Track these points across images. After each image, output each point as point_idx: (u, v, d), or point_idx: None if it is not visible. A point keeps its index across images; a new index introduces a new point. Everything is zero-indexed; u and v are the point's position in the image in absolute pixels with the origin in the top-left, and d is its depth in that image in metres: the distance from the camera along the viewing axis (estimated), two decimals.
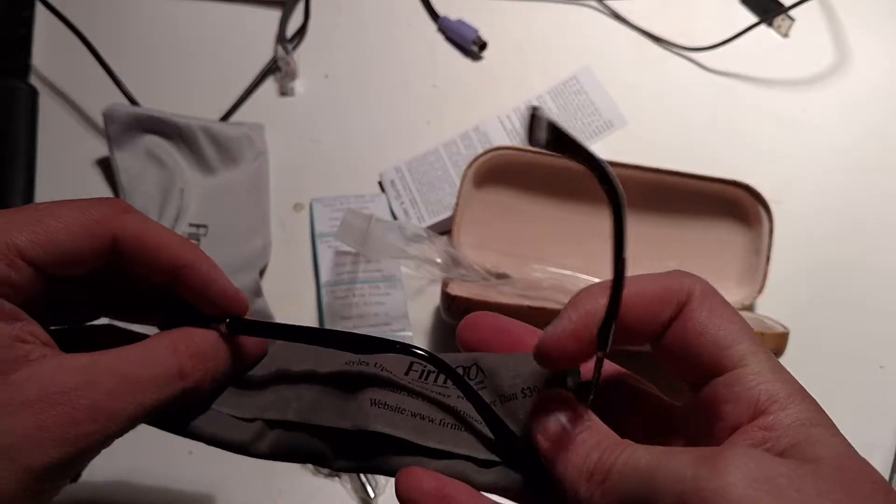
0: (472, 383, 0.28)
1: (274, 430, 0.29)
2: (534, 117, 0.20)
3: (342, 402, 0.28)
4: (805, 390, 0.24)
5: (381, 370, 0.29)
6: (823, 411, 0.24)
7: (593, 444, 0.24)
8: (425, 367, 0.30)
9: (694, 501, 0.20)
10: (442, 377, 0.29)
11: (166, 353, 0.27)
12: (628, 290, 0.25)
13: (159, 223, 0.28)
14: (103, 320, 0.31)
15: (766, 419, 0.23)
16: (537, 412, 0.26)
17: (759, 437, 0.23)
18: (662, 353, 0.26)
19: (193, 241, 0.50)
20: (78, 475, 0.43)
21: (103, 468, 0.43)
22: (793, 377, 0.25)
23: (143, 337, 0.29)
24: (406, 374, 0.30)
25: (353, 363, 0.29)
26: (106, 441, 0.25)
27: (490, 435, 0.27)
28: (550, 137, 0.21)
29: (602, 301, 0.25)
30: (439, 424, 0.28)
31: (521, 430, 0.27)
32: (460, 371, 0.29)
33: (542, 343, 0.25)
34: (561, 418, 0.25)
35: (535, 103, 0.21)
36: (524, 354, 0.28)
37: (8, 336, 0.24)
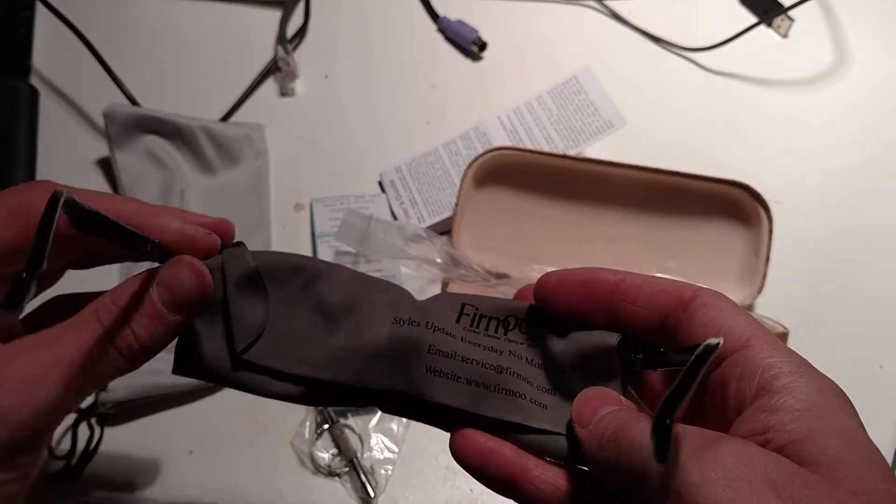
0: (523, 337, 0.29)
1: (330, 386, 0.29)
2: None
3: (397, 365, 0.29)
4: (813, 368, 0.24)
5: (434, 330, 0.29)
6: (835, 388, 0.24)
7: (614, 418, 0.25)
8: (476, 310, 0.30)
9: (674, 490, 0.21)
10: (494, 324, 0.30)
11: (89, 321, 0.26)
12: (640, 280, 0.27)
13: (87, 189, 0.27)
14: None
15: (770, 400, 0.23)
16: (583, 401, 0.27)
17: (762, 424, 0.23)
18: (675, 346, 0.26)
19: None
20: (79, 475, 0.43)
21: (103, 468, 0.44)
22: (799, 356, 0.24)
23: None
24: (457, 321, 0.30)
25: (403, 322, 0.29)
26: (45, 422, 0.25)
27: (543, 402, 0.28)
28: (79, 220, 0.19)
29: (606, 276, 0.27)
30: (494, 391, 0.28)
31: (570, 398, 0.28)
32: (512, 320, 0.30)
33: (546, 276, 0.28)
34: (600, 410, 0.26)
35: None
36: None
37: None
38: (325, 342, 0.29)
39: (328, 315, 0.30)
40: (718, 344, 0.21)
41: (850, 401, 0.24)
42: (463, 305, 0.30)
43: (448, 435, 0.28)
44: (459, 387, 0.28)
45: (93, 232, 0.22)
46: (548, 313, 0.29)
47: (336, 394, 0.29)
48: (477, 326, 0.30)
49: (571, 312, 0.28)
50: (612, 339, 0.28)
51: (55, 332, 0.25)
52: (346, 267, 0.31)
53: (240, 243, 0.30)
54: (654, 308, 0.27)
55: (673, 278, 0.28)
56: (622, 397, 0.27)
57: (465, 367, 0.28)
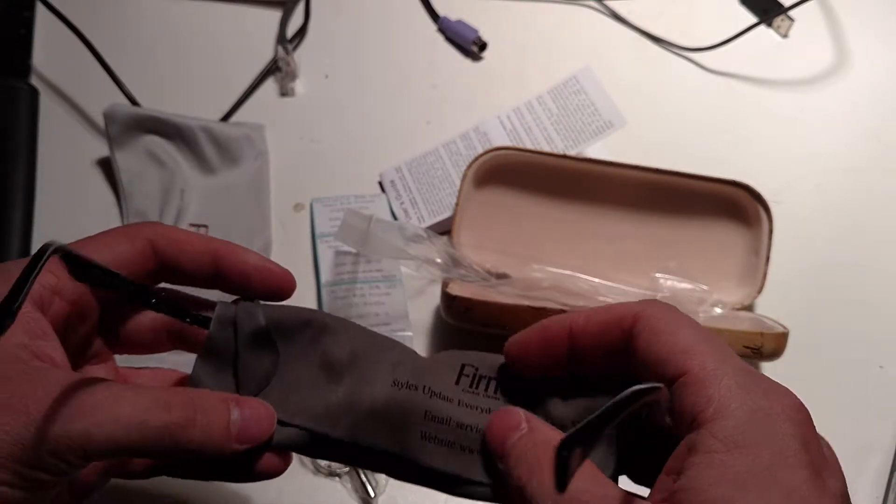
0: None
1: (322, 439, 0.29)
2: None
3: (392, 427, 0.29)
4: (754, 385, 0.24)
5: (430, 395, 0.29)
6: (777, 409, 0.23)
7: (517, 447, 0.26)
8: (476, 371, 0.30)
9: None
10: (493, 385, 0.30)
11: (159, 406, 0.26)
12: (582, 320, 0.27)
13: (180, 229, 0.30)
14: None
15: (692, 436, 0.23)
16: (490, 434, 0.28)
17: (681, 458, 0.23)
18: (634, 374, 0.27)
19: None
20: None
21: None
22: (741, 371, 0.24)
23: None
24: (457, 382, 0.30)
25: (402, 385, 0.30)
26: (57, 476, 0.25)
27: None
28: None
29: (555, 328, 0.28)
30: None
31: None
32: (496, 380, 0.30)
33: (508, 344, 0.29)
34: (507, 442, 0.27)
35: None
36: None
37: (26, 349, 0.26)
38: (325, 396, 0.30)
39: (331, 370, 0.30)
40: (636, 393, 0.21)
41: (792, 411, 0.23)
42: (463, 366, 0.31)
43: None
44: (453, 453, 0.29)
45: (91, 283, 0.24)
46: (528, 377, 0.29)
47: (332, 448, 0.30)
48: (476, 387, 0.30)
49: (545, 369, 0.29)
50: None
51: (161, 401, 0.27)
52: (352, 322, 0.31)
53: (255, 299, 0.31)
54: (605, 344, 0.27)
55: (618, 302, 0.27)
56: (523, 418, 0.27)
57: (460, 433, 0.29)
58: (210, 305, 0.31)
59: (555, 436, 0.26)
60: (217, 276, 0.31)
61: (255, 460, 0.29)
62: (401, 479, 0.30)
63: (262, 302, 0.31)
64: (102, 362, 0.32)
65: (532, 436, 0.26)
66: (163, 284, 0.32)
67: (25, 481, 0.24)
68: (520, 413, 0.28)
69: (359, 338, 0.31)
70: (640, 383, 0.22)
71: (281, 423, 0.29)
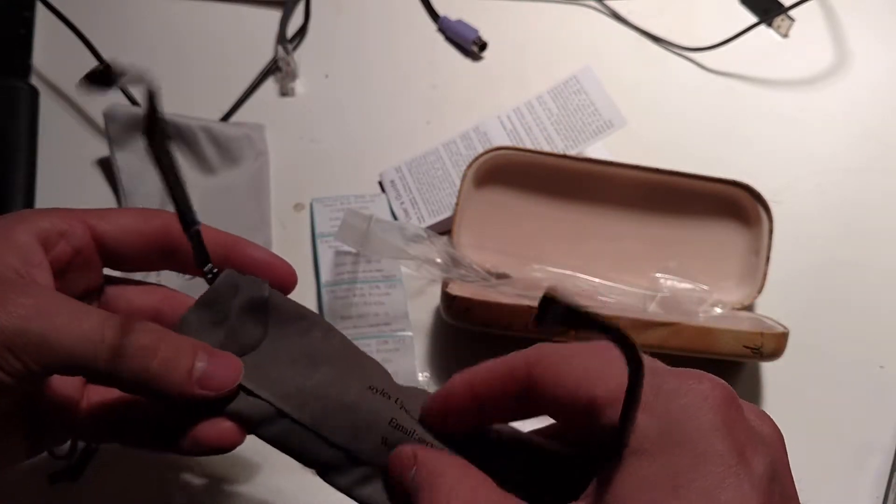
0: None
1: (283, 420, 0.29)
2: (549, 302, 0.20)
3: (356, 425, 0.29)
4: (652, 393, 0.23)
5: (401, 407, 0.30)
6: (675, 407, 0.23)
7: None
8: None
9: None
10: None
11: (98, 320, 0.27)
12: (481, 375, 0.28)
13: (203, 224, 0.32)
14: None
15: (603, 469, 0.23)
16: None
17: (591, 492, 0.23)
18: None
19: None
20: (79, 474, 0.43)
21: (103, 467, 0.44)
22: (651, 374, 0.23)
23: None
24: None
25: (376, 390, 0.30)
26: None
27: None
28: (567, 318, 0.20)
29: (456, 388, 0.29)
30: None
31: None
32: None
33: (427, 402, 0.30)
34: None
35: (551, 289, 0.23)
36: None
37: (15, 271, 0.28)
38: (299, 380, 0.30)
39: (312, 360, 0.31)
40: None
41: (714, 402, 0.23)
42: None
43: None
44: None
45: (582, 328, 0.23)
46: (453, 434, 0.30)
47: (287, 432, 0.30)
48: None
49: (467, 425, 0.29)
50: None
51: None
52: (342, 335, 0.32)
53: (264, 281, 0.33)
54: (506, 395, 0.27)
55: (514, 353, 0.27)
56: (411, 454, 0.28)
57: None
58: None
59: (449, 458, 0.28)
60: (225, 266, 0.33)
61: (209, 430, 0.30)
62: (344, 485, 0.30)
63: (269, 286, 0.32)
64: None
65: (423, 468, 0.27)
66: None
67: None
68: (407, 450, 0.28)
69: (346, 346, 0.32)
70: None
71: (247, 392, 0.29)
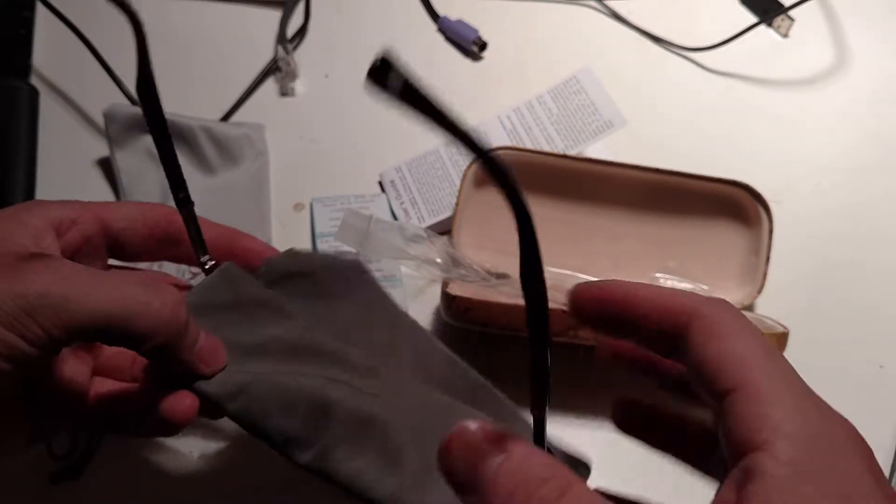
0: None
1: (241, 397, 0.31)
2: (384, 63, 0.17)
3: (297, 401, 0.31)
4: (813, 405, 0.22)
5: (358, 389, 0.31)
6: (837, 430, 0.22)
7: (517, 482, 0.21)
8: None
9: None
10: None
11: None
12: (644, 293, 0.26)
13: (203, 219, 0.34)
14: None
15: (747, 461, 0.21)
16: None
17: (738, 487, 0.21)
18: (688, 377, 0.25)
19: None
20: (79, 474, 0.43)
21: (103, 467, 0.44)
22: (800, 388, 0.22)
23: None
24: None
25: (333, 380, 0.32)
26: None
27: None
28: (403, 89, 0.18)
29: (614, 288, 0.26)
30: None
31: None
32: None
33: (577, 286, 0.28)
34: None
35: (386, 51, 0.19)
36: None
37: (26, 249, 0.28)
38: (258, 367, 0.32)
39: (278, 352, 0.33)
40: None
41: (857, 440, 0.22)
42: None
43: None
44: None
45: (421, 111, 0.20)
46: (581, 320, 0.28)
47: (245, 413, 0.31)
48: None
49: (595, 321, 0.27)
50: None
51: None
52: (314, 331, 0.34)
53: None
54: (659, 325, 0.25)
55: (682, 289, 0.26)
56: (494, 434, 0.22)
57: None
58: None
59: (545, 459, 0.22)
60: (227, 258, 0.35)
61: (174, 406, 0.31)
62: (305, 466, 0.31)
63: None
64: None
65: (513, 463, 0.21)
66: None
67: (6, 347, 0.25)
68: (486, 428, 0.22)
69: (320, 341, 0.33)
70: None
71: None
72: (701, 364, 0.23)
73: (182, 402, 0.31)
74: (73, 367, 0.33)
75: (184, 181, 0.32)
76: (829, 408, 0.23)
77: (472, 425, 0.22)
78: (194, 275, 0.49)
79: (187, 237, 0.34)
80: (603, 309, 0.27)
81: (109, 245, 0.33)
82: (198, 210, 0.51)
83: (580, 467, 0.28)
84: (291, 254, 0.36)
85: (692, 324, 0.24)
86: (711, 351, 0.23)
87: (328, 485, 0.30)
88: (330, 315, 0.35)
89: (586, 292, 0.27)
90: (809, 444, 0.21)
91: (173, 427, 0.31)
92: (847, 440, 0.22)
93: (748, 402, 0.21)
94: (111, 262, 0.36)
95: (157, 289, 0.28)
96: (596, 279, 0.49)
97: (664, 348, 0.25)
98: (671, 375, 0.28)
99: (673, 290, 0.25)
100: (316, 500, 0.44)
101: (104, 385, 0.34)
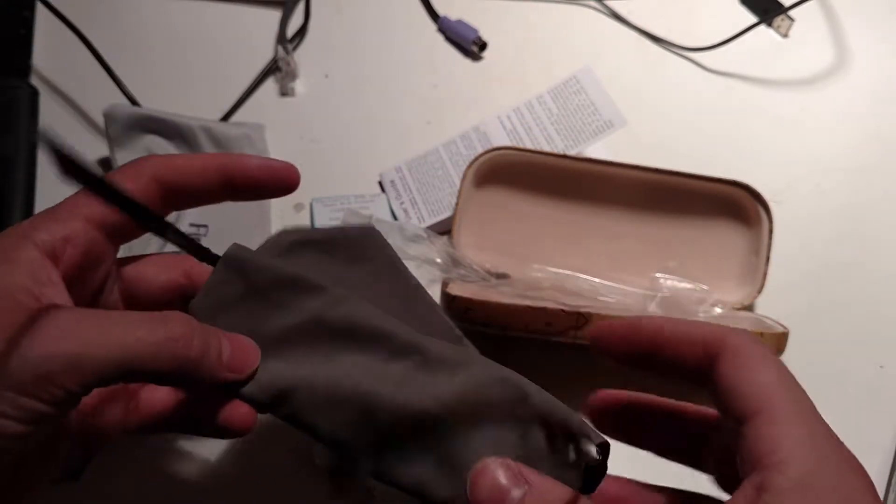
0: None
1: (292, 401, 0.30)
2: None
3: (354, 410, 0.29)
4: (826, 439, 0.24)
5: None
6: (844, 463, 0.24)
7: None
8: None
9: None
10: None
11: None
12: (671, 326, 0.28)
13: (179, 155, 0.32)
14: None
15: (761, 476, 0.23)
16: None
17: (750, 498, 0.23)
18: (711, 400, 0.27)
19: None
20: (79, 474, 0.43)
21: (103, 467, 0.44)
22: (816, 423, 0.25)
23: None
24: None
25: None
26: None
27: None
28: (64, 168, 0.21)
29: (647, 324, 0.28)
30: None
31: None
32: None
33: (598, 325, 0.30)
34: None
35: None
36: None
37: (28, 292, 0.27)
38: (304, 362, 0.30)
39: (314, 338, 0.31)
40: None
41: (858, 467, 0.24)
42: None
43: None
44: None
45: (83, 184, 0.25)
46: (604, 356, 0.30)
47: (297, 416, 0.30)
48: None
49: (620, 357, 0.29)
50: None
51: (147, 321, 0.27)
52: (348, 304, 0.31)
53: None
54: (689, 358, 0.27)
55: (707, 322, 0.28)
56: (515, 471, 0.27)
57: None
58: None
59: (563, 492, 0.26)
60: (226, 186, 0.32)
61: (231, 414, 0.31)
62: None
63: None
64: None
65: (535, 496, 0.26)
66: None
67: (20, 411, 0.24)
68: (508, 465, 0.27)
69: (352, 318, 0.31)
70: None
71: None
72: (729, 391, 0.26)
73: (238, 409, 0.31)
74: (105, 406, 0.32)
75: (146, 209, 0.29)
76: (835, 436, 0.25)
77: (494, 463, 0.27)
78: (201, 236, 0.50)
79: (243, 174, 0.32)
80: (630, 347, 0.29)
81: (167, 197, 0.31)
82: (197, 209, 0.52)
83: (601, 446, 0.28)
84: (292, 229, 0.34)
85: (721, 355, 0.26)
86: (738, 379, 0.25)
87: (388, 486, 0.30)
88: (350, 279, 0.33)
89: (610, 331, 0.29)
90: (817, 465, 0.23)
91: (236, 433, 0.31)
92: (850, 466, 0.24)
93: (767, 425, 0.24)
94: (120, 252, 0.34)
95: (165, 323, 0.27)
96: (595, 280, 0.49)
97: (690, 377, 0.28)
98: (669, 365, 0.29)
99: (698, 324, 0.28)
100: (314, 495, 0.45)
101: (155, 393, 0.33)
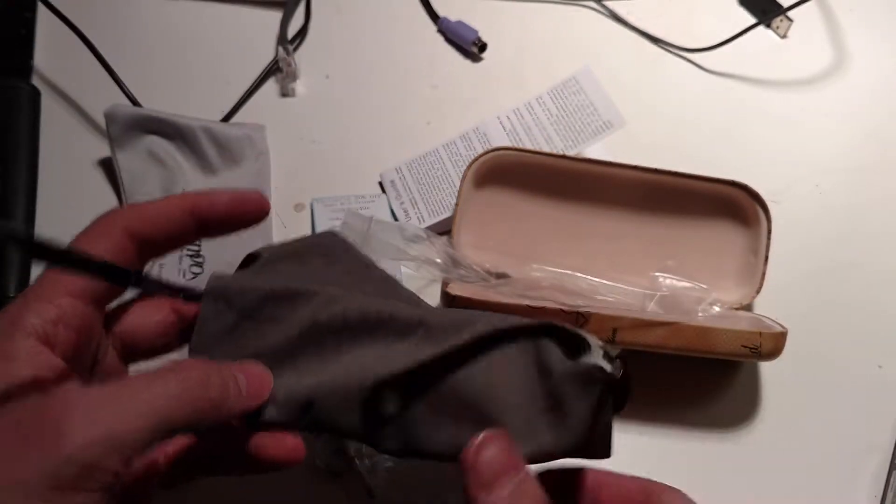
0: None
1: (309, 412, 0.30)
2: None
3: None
4: None
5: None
6: None
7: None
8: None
9: None
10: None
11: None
12: (604, 479, 0.30)
13: (146, 203, 0.31)
14: None
15: None
16: (483, 462, 0.28)
17: None
18: None
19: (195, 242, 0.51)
20: None
21: None
22: None
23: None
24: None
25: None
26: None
27: None
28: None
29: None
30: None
31: None
32: None
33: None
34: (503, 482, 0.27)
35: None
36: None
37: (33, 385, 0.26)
38: (309, 370, 0.30)
39: (317, 345, 0.31)
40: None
41: None
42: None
43: None
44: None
45: (50, 263, 0.25)
46: None
47: (316, 423, 0.30)
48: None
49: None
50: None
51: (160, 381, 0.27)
52: (343, 301, 0.31)
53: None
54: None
55: (640, 477, 0.30)
56: (521, 462, 0.28)
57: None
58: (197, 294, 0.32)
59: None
60: (199, 226, 0.32)
61: (277, 448, 0.31)
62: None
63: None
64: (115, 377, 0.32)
65: (525, 486, 0.27)
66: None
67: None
68: (515, 448, 0.28)
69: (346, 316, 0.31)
70: None
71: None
72: None
73: (283, 443, 0.31)
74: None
75: (118, 269, 0.29)
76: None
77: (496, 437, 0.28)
78: (195, 274, 0.49)
79: (213, 211, 0.32)
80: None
81: (140, 251, 0.31)
82: None
83: (615, 361, 0.28)
84: (259, 249, 0.34)
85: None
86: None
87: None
88: (331, 278, 0.33)
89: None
90: None
91: (286, 465, 0.31)
92: None
93: None
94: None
95: (180, 373, 0.27)
96: (595, 280, 0.49)
97: None
98: None
99: (624, 476, 0.30)
100: (313, 495, 0.45)
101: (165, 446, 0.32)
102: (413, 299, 0.34)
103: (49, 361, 0.27)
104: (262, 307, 0.31)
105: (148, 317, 0.32)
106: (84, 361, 0.30)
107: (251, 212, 0.32)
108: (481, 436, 0.28)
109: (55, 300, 0.28)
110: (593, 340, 0.28)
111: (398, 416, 0.29)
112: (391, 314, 0.30)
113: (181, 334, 0.33)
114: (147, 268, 0.32)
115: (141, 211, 0.31)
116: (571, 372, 0.28)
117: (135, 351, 0.32)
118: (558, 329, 0.29)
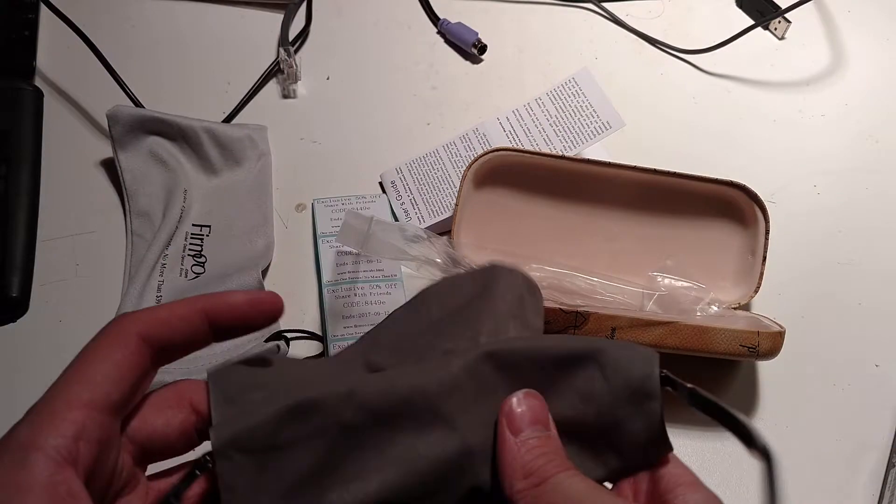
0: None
1: None
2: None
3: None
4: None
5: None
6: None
7: (541, 452, 0.27)
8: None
9: None
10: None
11: None
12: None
13: (159, 306, 0.29)
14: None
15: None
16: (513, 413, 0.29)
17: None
18: None
19: (196, 242, 0.51)
20: None
21: None
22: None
23: None
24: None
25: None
26: None
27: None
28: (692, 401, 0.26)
29: None
30: None
31: None
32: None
33: None
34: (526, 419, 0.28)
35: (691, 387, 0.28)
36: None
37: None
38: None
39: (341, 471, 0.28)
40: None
41: None
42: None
43: None
44: None
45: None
46: None
47: None
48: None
49: None
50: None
51: None
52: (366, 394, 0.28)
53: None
54: None
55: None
56: (550, 421, 0.29)
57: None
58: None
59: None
60: (214, 328, 0.30)
61: None
62: None
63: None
64: (133, 489, 0.30)
65: (551, 434, 0.28)
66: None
67: None
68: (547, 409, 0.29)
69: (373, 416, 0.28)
70: None
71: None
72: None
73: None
74: None
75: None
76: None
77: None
78: (197, 274, 0.50)
79: (230, 315, 0.30)
80: None
81: (155, 358, 0.29)
82: (201, 209, 0.52)
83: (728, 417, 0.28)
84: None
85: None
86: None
87: None
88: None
89: None
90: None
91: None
92: None
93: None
94: None
95: None
96: (594, 280, 0.49)
97: None
98: None
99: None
100: None
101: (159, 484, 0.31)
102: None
103: (69, 489, 0.24)
104: (279, 433, 0.28)
105: (166, 418, 0.30)
106: (104, 474, 0.28)
107: (267, 312, 0.31)
108: (522, 392, 0.29)
109: (70, 415, 0.25)
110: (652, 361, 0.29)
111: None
112: (420, 393, 0.28)
113: (200, 434, 0.30)
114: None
115: (154, 315, 0.29)
116: (621, 392, 0.28)
117: (152, 453, 0.30)
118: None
